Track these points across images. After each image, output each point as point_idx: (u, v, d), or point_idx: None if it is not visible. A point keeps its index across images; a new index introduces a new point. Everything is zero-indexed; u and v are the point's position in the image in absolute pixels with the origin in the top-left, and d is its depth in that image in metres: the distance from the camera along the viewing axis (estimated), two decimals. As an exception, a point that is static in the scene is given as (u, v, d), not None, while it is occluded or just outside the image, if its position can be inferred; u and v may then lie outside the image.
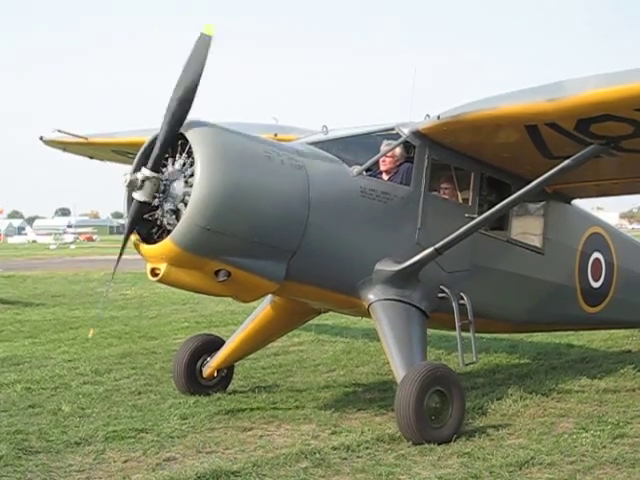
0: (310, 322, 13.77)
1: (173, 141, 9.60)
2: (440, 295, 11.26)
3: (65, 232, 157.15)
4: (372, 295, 10.82)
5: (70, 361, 15.25)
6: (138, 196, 9.52)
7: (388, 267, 10.80)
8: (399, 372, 10.05)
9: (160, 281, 9.86)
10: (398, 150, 11.24)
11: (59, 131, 15.51)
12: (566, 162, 10.66)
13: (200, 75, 9.45)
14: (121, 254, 10.04)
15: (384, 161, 11.27)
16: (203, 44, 9.43)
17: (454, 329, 11.09)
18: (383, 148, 11.28)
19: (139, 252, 9.86)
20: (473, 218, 11.26)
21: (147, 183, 9.46)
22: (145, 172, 9.49)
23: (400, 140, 11.14)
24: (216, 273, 9.78)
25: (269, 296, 11.79)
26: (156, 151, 9.53)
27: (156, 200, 9.60)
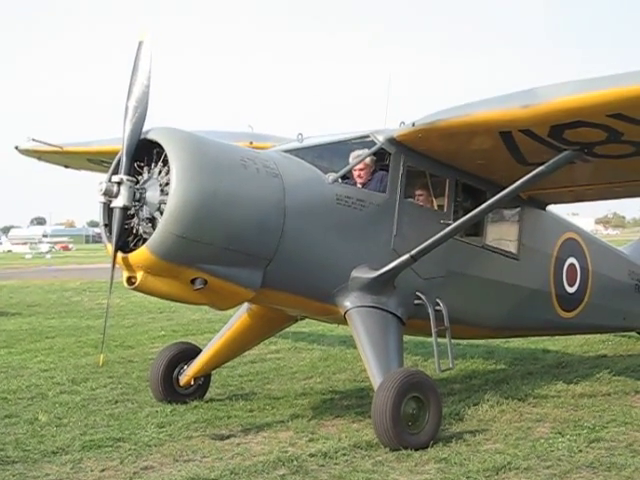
0: (287, 329, 13.79)
1: (139, 147, 9.63)
2: (416, 302, 11.28)
3: (41, 241, 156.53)
4: (348, 302, 10.83)
5: (46, 370, 15.20)
6: (117, 202, 9.50)
7: (364, 274, 10.82)
8: (376, 379, 10.07)
9: (136, 289, 9.87)
10: (369, 160, 11.24)
11: (34, 140, 15.44)
12: (540, 168, 10.74)
13: (148, 78, 9.74)
14: (113, 268, 9.93)
15: (355, 170, 11.26)
16: (141, 49, 9.85)
17: (430, 335, 11.12)
18: (353, 156, 11.27)
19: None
20: (448, 224, 11.30)
21: (123, 187, 9.46)
22: (120, 175, 9.50)
23: (375, 147, 11.17)
24: (192, 281, 9.77)
25: (246, 304, 11.78)
26: (124, 157, 9.55)
27: (132, 208, 9.59)
